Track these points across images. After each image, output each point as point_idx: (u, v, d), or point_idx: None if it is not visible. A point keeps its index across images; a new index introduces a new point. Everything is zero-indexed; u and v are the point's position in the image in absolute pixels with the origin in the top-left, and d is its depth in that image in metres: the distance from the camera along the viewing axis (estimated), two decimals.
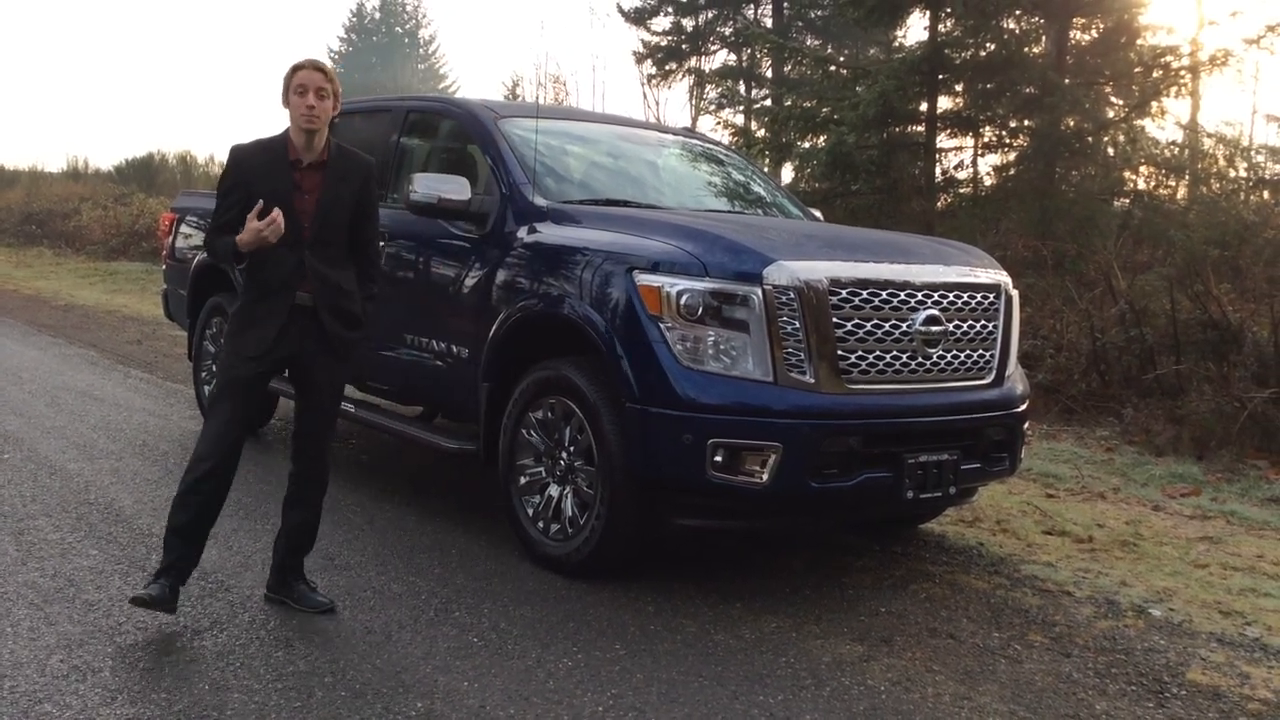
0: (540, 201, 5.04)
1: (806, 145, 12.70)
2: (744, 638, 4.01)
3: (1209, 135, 13.08)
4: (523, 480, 4.77)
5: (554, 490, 4.66)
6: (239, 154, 4.00)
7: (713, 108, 25.50)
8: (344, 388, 4.29)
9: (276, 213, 3.78)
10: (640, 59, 25.91)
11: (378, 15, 60.15)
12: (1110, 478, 6.83)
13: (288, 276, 3.91)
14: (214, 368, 7.08)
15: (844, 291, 4.27)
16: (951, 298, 4.56)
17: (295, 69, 3.94)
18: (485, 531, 5.15)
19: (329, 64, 4.00)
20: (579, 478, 4.54)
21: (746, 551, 5.09)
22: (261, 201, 3.81)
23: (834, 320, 4.23)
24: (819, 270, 4.26)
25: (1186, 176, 12.43)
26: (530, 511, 4.73)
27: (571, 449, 4.58)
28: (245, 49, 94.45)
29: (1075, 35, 12.49)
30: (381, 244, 5.65)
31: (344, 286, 4.02)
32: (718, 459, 4.10)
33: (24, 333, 11.68)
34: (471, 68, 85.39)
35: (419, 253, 5.51)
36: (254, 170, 3.93)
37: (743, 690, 3.56)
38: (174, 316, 7.98)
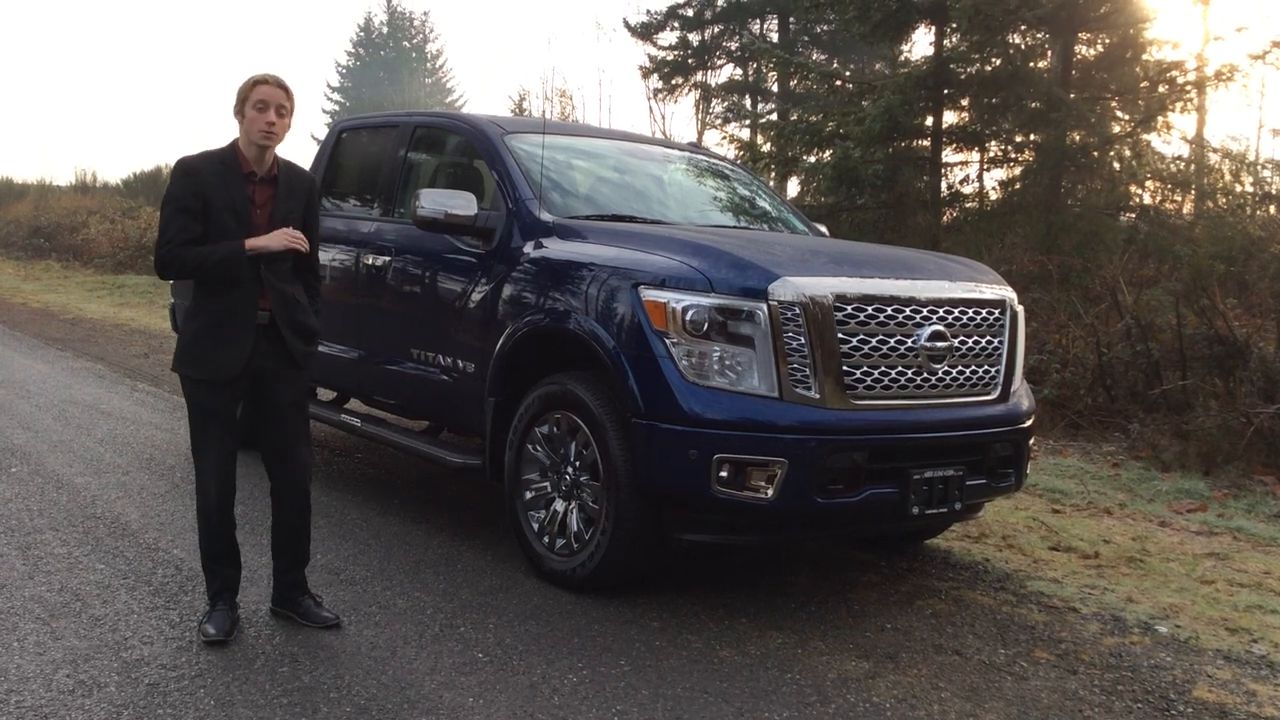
0: (546, 217, 5.06)
1: (812, 159, 12.74)
2: (750, 654, 4.01)
3: (1215, 150, 13.09)
4: (528, 495, 4.78)
5: (559, 505, 4.66)
6: (191, 165, 3.88)
7: (719, 122, 25.61)
8: (307, 399, 4.27)
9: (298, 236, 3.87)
10: (646, 73, 26.01)
11: (385, 30, 60.33)
12: (1116, 493, 6.82)
13: (248, 292, 3.88)
14: None
15: (849, 307, 4.28)
16: (957, 313, 4.57)
17: (257, 83, 3.88)
18: (491, 546, 5.15)
19: (289, 81, 3.96)
20: (584, 493, 4.55)
21: (752, 567, 5.09)
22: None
23: (839, 336, 4.23)
24: (824, 286, 4.26)
25: (1193, 191, 12.41)
26: (536, 526, 4.73)
27: (577, 464, 4.58)
28: (253, 63, 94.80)
29: (1081, 50, 12.51)
30: (388, 259, 5.70)
31: (298, 299, 4.03)
32: (723, 474, 4.10)
33: (32, 346, 11.73)
34: (479, 82, 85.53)
35: (425, 268, 5.53)
36: (208, 182, 3.84)
37: (748, 707, 3.55)
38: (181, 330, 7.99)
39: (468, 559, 4.97)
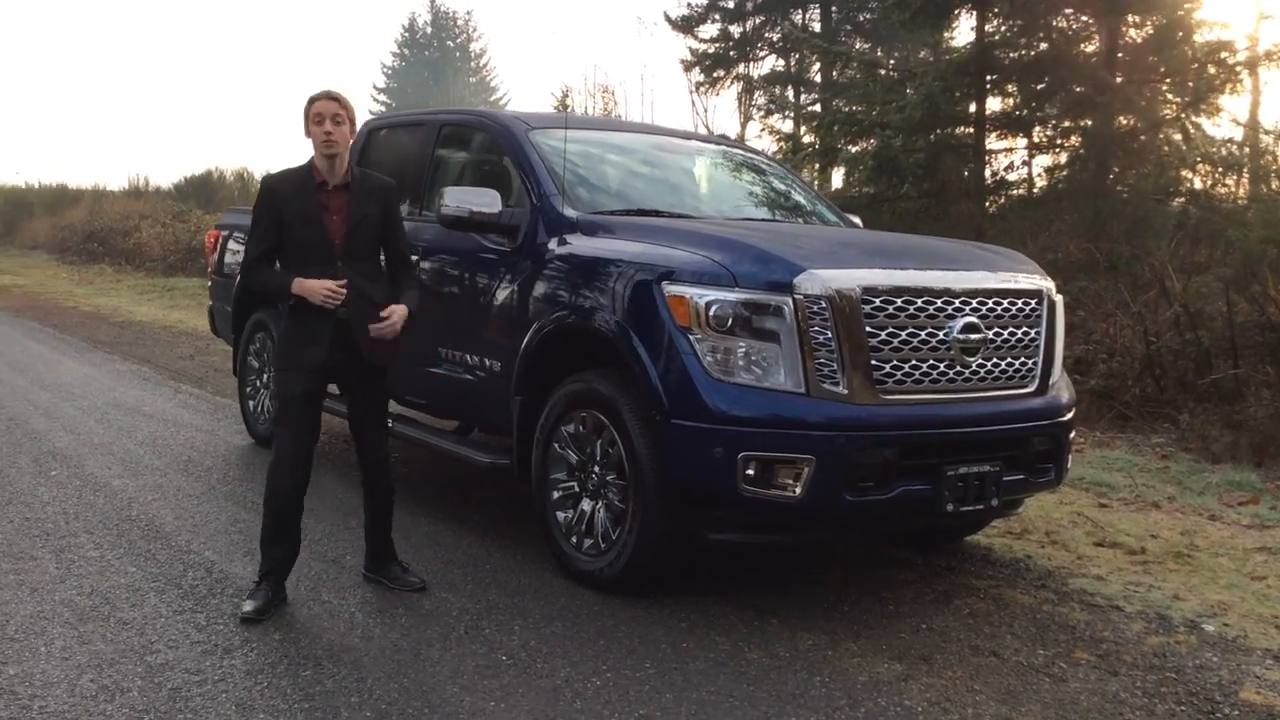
0: (570, 213, 5.00)
1: (854, 150, 12.56)
2: (778, 655, 3.92)
3: (1268, 132, 12.70)
4: (555, 494, 4.73)
5: (587, 505, 4.61)
6: (270, 182, 4.29)
7: (761, 114, 25.37)
8: (385, 394, 4.59)
9: (341, 285, 4.12)
10: (688, 67, 25.82)
11: (429, 30, 60.71)
12: (1165, 486, 6.63)
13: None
14: (258, 383, 7.13)
15: (878, 300, 4.17)
16: (991, 304, 4.44)
17: (312, 100, 4.22)
18: (520, 547, 5.11)
19: (342, 92, 4.26)
20: (611, 492, 4.49)
21: (783, 565, 5.00)
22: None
23: (867, 329, 4.13)
24: (852, 278, 4.16)
25: (1245, 175, 12.08)
26: (563, 526, 4.68)
27: (603, 463, 4.52)
28: (301, 66, 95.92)
29: (1127, 33, 12.21)
30: (416, 258, 5.67)
31: (375, 300, 4.24)
32: (750, 472, 4.01)
33: (80, 349, 11.89)
34: (522, 80, 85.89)
35: (452, 266, 5.51)
36: (283, 195, 4.21)
37: (774, 711, 3.47)
38: (220, 332, 8.06)
39: (496, 559, 4.93)
